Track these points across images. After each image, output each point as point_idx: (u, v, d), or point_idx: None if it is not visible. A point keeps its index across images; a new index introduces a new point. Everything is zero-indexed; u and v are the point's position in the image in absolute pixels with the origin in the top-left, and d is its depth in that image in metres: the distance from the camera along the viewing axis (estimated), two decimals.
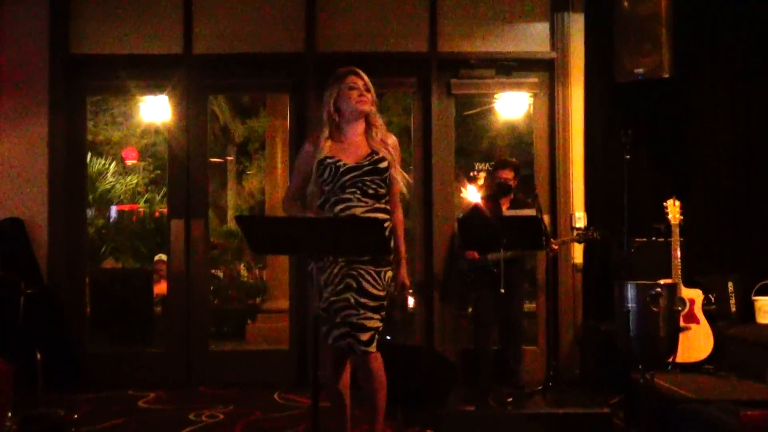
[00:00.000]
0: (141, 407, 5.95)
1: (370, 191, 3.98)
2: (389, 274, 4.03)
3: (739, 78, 6.63)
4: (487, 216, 6.27)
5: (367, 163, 3.99)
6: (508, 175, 6.42)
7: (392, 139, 4.15)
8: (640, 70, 6.40)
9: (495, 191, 6.50)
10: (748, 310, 6.19)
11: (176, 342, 6.90)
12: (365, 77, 4.09)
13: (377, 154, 4.02)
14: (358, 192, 3.97)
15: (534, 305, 7.30)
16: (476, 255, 6.26)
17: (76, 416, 4.96)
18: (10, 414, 4.29)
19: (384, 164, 4.01)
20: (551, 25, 6.95)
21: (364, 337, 3.92)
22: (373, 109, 4.09)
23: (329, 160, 3.99)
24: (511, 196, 6.46)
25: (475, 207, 6.65)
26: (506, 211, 6.30)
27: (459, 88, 7.08)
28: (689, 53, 6.58)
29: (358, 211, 3.96)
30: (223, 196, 13.64)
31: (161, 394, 6.33)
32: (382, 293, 3.97)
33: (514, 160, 6.76)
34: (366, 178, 3.97)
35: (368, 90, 4.07)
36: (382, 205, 4.04)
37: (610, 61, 6.59)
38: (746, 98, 6.60)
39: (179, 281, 6.94)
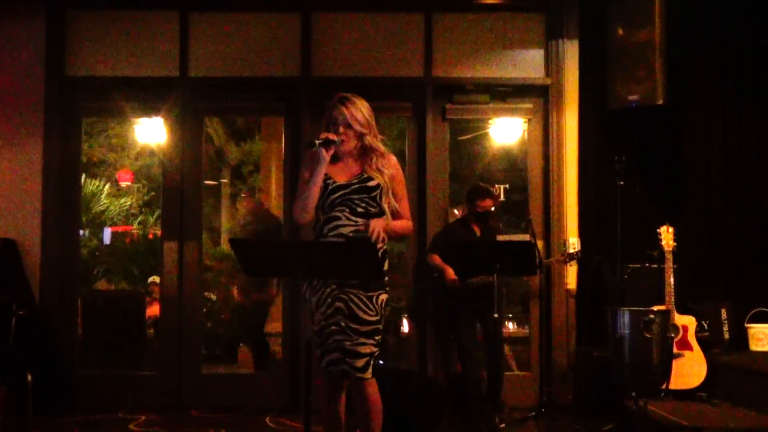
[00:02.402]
0: (132, 430, 5.90)
1: (360, 209, 3.95)
2: (383, 297, 3.97)
3: (732, 105, 6.65)
4: (470, 238, 6.27)
5: (356, 181, 3.98)
6: (487, 204, 6.41)
7: (392, 161, 4.11)
8: (634, 97, 6.43)
9: (472, 217, 6.47)
10: (741, 338, 6.19)
11: (168, 365, 6.86)
12: (352, 108, 4.00)
13: (367, 174, 4.00)
14: (347, 210, 3.95)
15: (527, 330, 7.27)
16: (457, 281, 6.21)
17: None
18: None
19: (373, 183, 3.96)
20: (546, 51, 6.98)
21: (359, 363, 3.89)
22: (369, 138, 4.03)
23: (327, 180, 3.99)
24: (483, 221, 6.45)
25: (450, 227, 6.63)
26: (500, 236, 6.31)
27: (454, 113, 7.10)
28: (682, 80, 6.62)
29: (346, 230, 3.92)
30: (217, 219, 13.60)
31: (153, 417, 6.28)
32: (374, 318, 3.92)
33: (489, 186, 6.75)
34: (354, 196, 3.94)
35: (349, 126, 4.00)
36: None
37: (604, 87, 6.63)
38: (739, 125, 6.62)
39: (172, 303, 6.91)
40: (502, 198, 9.07)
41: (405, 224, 4.08)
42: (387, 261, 4.03)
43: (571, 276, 6.75)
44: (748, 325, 6.17)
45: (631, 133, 6.73)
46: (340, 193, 3.96)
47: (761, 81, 6.54)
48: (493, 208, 6.46)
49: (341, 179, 3.99)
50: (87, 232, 10.56)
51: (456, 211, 8.13)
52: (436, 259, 6.34)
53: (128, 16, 6.94)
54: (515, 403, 6.51)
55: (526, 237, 6.07)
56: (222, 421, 6.14)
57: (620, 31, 6.54)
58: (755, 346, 6.09)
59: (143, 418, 6.23)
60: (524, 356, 7.07)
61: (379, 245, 3.92)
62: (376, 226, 3.88)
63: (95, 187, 11.37)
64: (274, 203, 9.94)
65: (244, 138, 13.05)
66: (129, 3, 6.92)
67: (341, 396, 4.08)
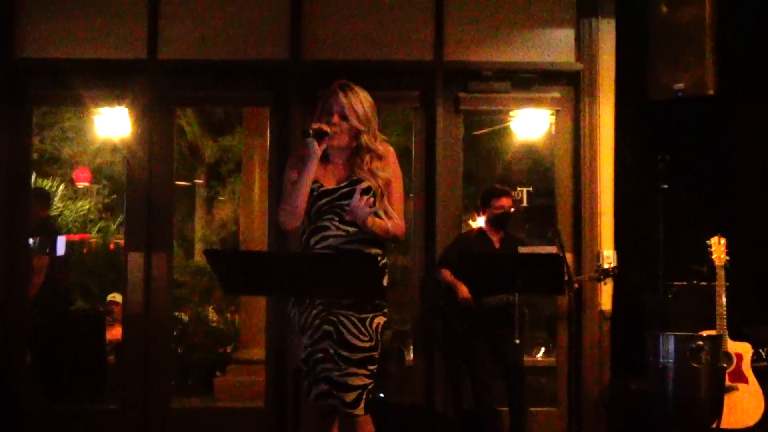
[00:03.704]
0: None
1: (348, 217, 3.95)
2: (379, 320, 3.96)
3: None
4: (487, 251, 6.28)
5: (345, 185, 3.98)
6: (504, 203, 6.43)
7: (390, 157, 4.10)
8: (680, 86, 6.44)
9: (490, 224, 6.49)
10: None
11: (133, 397, 6.85)
12: (352, 97, 4.01)
13: (357, 177, 3.99)
14: (336, 219, 3.95)
15: (554, 359, 7.28)
16: (472, 300, 6.22)
17: None
18: None
19: (365, 185, 3.95)
20: (577, 32, 7.00)
21: (349, 397, 3.89)
22: (366, 138, 4.03)
23: (313, 185, 3.99)
24: (503, 231, 6.46)
25: (464, 238, 6.64)
26: (522, 248, 6.32)
27: (469, 104, 7.12)
28: (738, 66, 6.62)
29: (335, 241, 3.93)
30: (191, 226, 13.66)
31: None
32: (368, 344, 3.91)
33: (508, 189, 6.78)
34: (344, 202, 3.94)
35: (345, 117, 4.00)
36: (367, 236, 3.95)
37: (645, 74, 6.64)
38: None
39: (137, 325, 6.90)
40: (524, 203, 9.09)
41: (396, 223, 4.04)
42: (387, 276, 4.03)
43: (605, 295, 6.76)
44: None
45: (677, 128, 6.73)
46: (327, 199, 3.96)
47: None
48: (512, 210, 6.47)
49: (329, 183, 4.00)
50: (37, 241, 10.57)
51: (472, 223, 8.15)
52: (447, 275, 6.34)
53: None
54: None
55: (553, 249, 6.07)
56: None
57: (664, 9, 6.56)
58: None
59: None
60: (550, 389, 7.07)
61: (381, 260, 3.93)
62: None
63: (48, 188, 11.40)
64: (257, 207, 9.95)
65: (223, 132, 13.11)
66: None
67: None
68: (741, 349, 5.79)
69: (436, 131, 6.98)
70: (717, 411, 5.13)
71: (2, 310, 6.77)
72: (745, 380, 5.73)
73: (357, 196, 3.84)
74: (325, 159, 4.03)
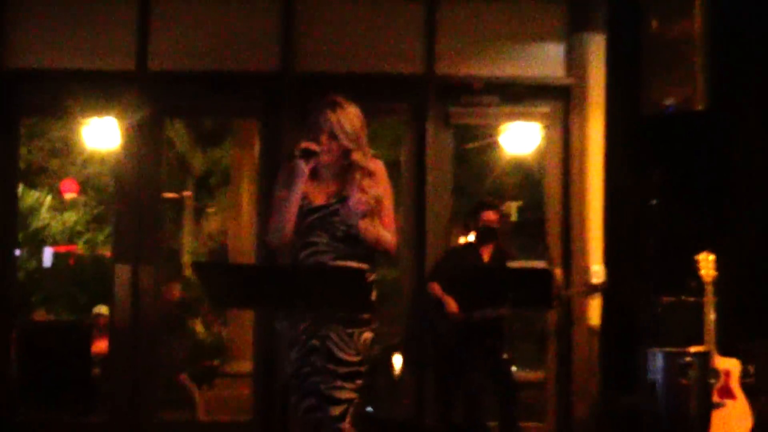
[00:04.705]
0: None
1: (339, 234, 3.97)
2: (367, 336, 3.99)
3: None
4: (476, 265, 6.31)
5: (334, 202, 4.00)
6: (492, 217, 6.44)
7: (380, 172, 4.12)
8: (671, 101, 6.48)
9: (477, 237, 6.52)
10: None
11: (119, 411, 6.85)
12: (341, 115, 4.02)
13: (347, 193, 4.01)
14: (326, 235, 3.97)
15: (542, 374, 7.30)
16: (461, 314, 6.23)
17: None
18: None
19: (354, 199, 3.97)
20: (567, 47, 7.07)
21: (335, 411, 3.91)
22: (356, 155, 4.05)
23: (302, 201, 4.01)
24: (494, 243, 6.48)
25: (453, 251, 6.66)
26: (511, 263, 6.35)
27: (459, 118, 7.18)
28: (729, 82, 6.65)
29: (324, 257, 3.95)
30: (179, 238, 13.65)
31: None
32: (355, 358, 3.94)
33: (497, 203, 6.82)
34: (335, 218, 3.97)
35: (334, 136, 4.02)
36: (356, 252, 3.98)
37: (636, 89, 6.67)
38: None
39: (123, 338, 6.91)
40: (514, 217, 9.13)
41: (386, 238, 4.05)
42: (375, 291, 4.05)
43: (594, 310, 6.79)
44: None
45: (667, 143, 6.76)
46: (317, 215, 3.98)
47: None
48: (498, 224, 6.49)
49: (318, 200, 4.02)
50: (25, 252, 10.57)
51: (462, 238, 8.17)
52: (437, 289, 6.36)
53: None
54: None
55: (543, 264, 6.10)
56: None
57: (654, 24, 6.60)
58: None
59: None
60: (539, 404, 7.09)
61: (369, 276, 3.95)
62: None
63: (34, 199, 11.39)
64: (246, 219, 9.97)
65: (212, 144, 13.10)
66: None
67: None
68: (729, 366, 5.80)
69: (426, 144, 7.02)
70: (705, 427, 5.16)
71: None
72: (733, 397, 5.74)
73: (353, 202, 3.86)
74: (314, 175, 4.05)
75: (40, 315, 10.02)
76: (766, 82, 6.75)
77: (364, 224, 3.89)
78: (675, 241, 6.51)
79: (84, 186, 12.47)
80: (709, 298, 5.85)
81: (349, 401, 3.94)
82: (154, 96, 7.00)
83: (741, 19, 6.68)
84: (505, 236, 6.61)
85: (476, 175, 10.77)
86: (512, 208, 9.10)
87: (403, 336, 7.22)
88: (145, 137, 7.02)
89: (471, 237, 6.60)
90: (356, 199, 3.86)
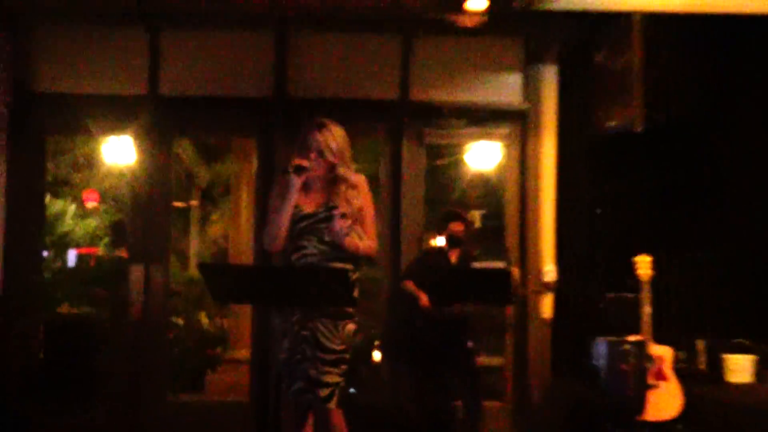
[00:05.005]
0: None
1: (327, 238, 3.99)
2: (350, 327, 4.01)
3: (716, 134, 6.74)
4: (444, 266, 6.31)
5: (322, 211, 4.02)
6: (458, 227, 6.45)
7: (363, 186, 4.14)
8: (613, 124, 6.52)
9: (446, 242, 6.52)
10: (717, 369, 6.25)
11: (132, 392, 6.82)
12: (327, 135, 4.04)
13: (334, 204, 4.03)
14: (314, 239, 3.99)
15: (502, 360, 7.31)
16: (431, 308, 6.22)
17: None
18: None
19: (339, 212, 3.99)
20: (524, 76, 7.06)
21: (323, 393, 3.93)
22: (342, 169, 4.07)
23: (295, 209, 4.02)
24: (460, 247, 6.49)
25: (425, 254, 6.66)
26: (475, 264, 6.36)
27: (430, 138, 7.16)
28: (662, 107, 6.70)
29: (313, 259, 3.97)
30: (186, 242, 13.58)
31: None
32: (340, 347, 3.96)
33: (463, 212, 6.82)
34: (322, 225, 3.99)
35: (321, 154, 4.04)
36: (341, 254, 4.00)
37: (584, 113, 6.72)
38: (723, 153, 6.72)
39: (137, 330, 6.88)
40: (478, 224, 9.13)
41: (368, 244, 4.09)
42: (357, 288, 4.07)
43: (547, 305, 6.79)
44: (725, 356, 6.23)
45: (611, 160, 6.80)
46: (307, 222, 4.01)
47: (738, 109, 6.67)
48: (465, 231, 6.49)
49: (309, 208, 4.04)
50: (51, 254, 10.50)
51: (432, 242, 8.17)
52: (411, 286, 6.36)
53: (97, 32, 6.94)
54: None
55: (502, 265, 6.11)
56: None
57: (600, 58, 6.66)
58: (731, 378, 6.12)
59: None
60: (499, 386, 7.10)
61: (352, 275, 3.96)
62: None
63: (60, 208, 11.31)
64: (245, 226, 9.95)
65: (215, 159, 13.05)
66: (98, 19, 6.91)
67: (307, 426, 4.10)
68: (663, 352, 5.83)
69: (401, 161, 7.02)
70: (641, 405, 5.18)
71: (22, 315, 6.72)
72: (666, 379, 5.76)
73: (336, 221, 3.90)
74: (305, 187, 4.07)
75: (65, 309, 9.95)
76: (692, 106, 6.81)
77: (347, 240, 3.92)
78: (617, 245, 6.55)
79: (103, 196, 12.39)
80: (646, 295, 5.88)
81: (335, 384, 3.96)
82: (164, 117, 6.99)
83: (673, 54, 6.74)
84: (470, 241, 6.59)
85: (445, 187, 10.76)
86: (476, 216, 9.10)
87: (382, 327, 7.22)
88: (156, 153, 7.01)
89: (440, 241, 6.60)
90: (340, 224, 3.90)
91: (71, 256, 9.79)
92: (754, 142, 6.64)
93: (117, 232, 7.63)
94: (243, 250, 10.11)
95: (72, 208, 11.60)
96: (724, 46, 6.70)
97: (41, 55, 6.92)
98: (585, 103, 6.76)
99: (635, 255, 6.02)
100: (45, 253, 7.58)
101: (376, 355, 7.03)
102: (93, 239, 12.06)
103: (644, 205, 6.78)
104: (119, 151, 8.42)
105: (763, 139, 6.60)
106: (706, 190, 6.70)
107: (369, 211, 4.15)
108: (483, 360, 7.43)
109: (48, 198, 9.44)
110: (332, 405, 3.96)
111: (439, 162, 10.06)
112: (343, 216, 3.95)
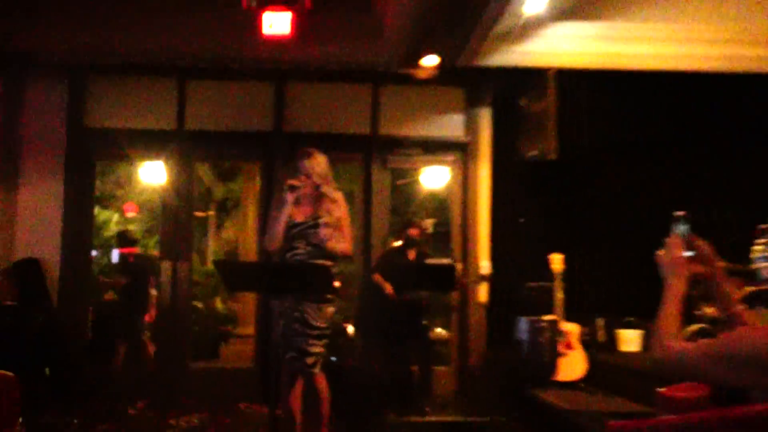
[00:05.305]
0: (130, 414, 5.81)
1: (314, 241, 4.01)
2: (330, 310, 4.03)
3: (610, 163, 6.81)
4: (404, 262, 6.32)
5: (310, 220, 4.04)
6: (415, 232, 6.47)
7: (341, 201, 4.15)
8: (534, 153, 6.55)
9: (404, 244, 6.53)
10: (613, 341, 6.32)
11: (163, 359, 6.76)
12: (313, 162, 4.06)
13: (318, 215, 4.05)
14: (304, 242, 4.02)
15: (448, 334, 7.33)
16: (395, 295, 6.22)
17: (75, 421, 4.83)
18: (21, 420, 4.17)
19: (323, 221, 4.02)
20: (466, 116, 7.08)
21: (309, 360, 3.95)
22: (325, 188, 4.08)
23: (288, 219, 4.04)
24: (416, 247, 6.50)
25: (389, 253, 6.67)
26: (428, 260, 6.37)
27: (394, 163, 7.18)
28: (570, 141, 6.74)
29: (302, 257, 4.00)
30: (205, 243, 13.46)
31: (147, 403, 6.18)
32: (323, 325, 3.98)
33: (418, 221, 6.85)
34: (310, 230, 4.01)
35: (309, 176, 4.05)
36: (324, 254, 4.00)
37: (512, 145, 6.74)
38: (614, 178, 6.79)
39: (166, 311, 6.83)
40: (430, 230, 9.14)
41: (344, 246, 4.12)
42: (336, 280, 4.08)
43: (483, 292, 6.82)
44: (618, 330, 6.30)
45: (532, 180, 6.84)
46: (298, 228, 4.03)
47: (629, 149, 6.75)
48: (419, 237, 6.50)
49: (299, 218, 4.06)
50: (99, 253, 10.38)
51: (395, 244, 8.16)
52: (378, 278, 6.37)
53: (137, 80, 6.90)
54: (440, 392, 6.54)
55: (448, 261, 6.14)
56: (205, 406, 6.06)
57: (523, 102, 6.69)
58: (623, 347, 6.20)
59: (141, 404, 6.14)
60: (446, 354, 7.12)
61: (333, 269, 3.98)
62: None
63: (106, 217, 11.18)
64: (251, 232, 9.90)
65: (229, 179, 12.99)
66: (138, 70, 6.85)
67: (297, 387, 4.10)
68: (571, 328, 5.89)
69: (371, 181, 7.03)
70: (553, 369, 5.21)
71: (75, 301, 6.64)
72: (573, 349, 5.83)
73: (321, 230, 3.92)
74: (297, 202, 4.08)
75: (109, 296, 9.83)
76: (593, 141, 6.88)
77: (329, 244, 3.95)
78: (537, 245, 6.58)
79: (141, 207, 12.28)
80: (558, 283, 5.93)
81: (319, 354, 3.97)
82: (188, 147, 6.94)
83: (579, 101, 6.80)
84: (424, 242, 6.61)
85: (405, 201, 10.77)
86: (429, 223, 9.08)
87: (356, 309, 7.22)
88: (182, 175, 6.96)
89: (401, 243, 6.62)
90: (323, 233, 3.93)
91: (115, 255, 9.64)
92: (634, 171, 6.73)
93: (122, 238, 7.57)
94: (249, 250, 10.09)
95: (115, 216, 11.48)
96: (617, 95, 6.79)
97: (91, 98, 6.85)
98: (512, 137, 6.77)
99: (550, 253, 6.09)
100: (94, 253, 7.48)
101: (351, 330, 7.00)
102: (132, 241, 11.91)
103: (557, 215, 6.82)
104: (153, 173, 8.38)
105: (640, 167, 6.67)
106: (602, 205, 6.77)
107: (346, 221, 4.17)
108: (434, 334, 7.49)
109: (96, 209, 9.33)
110: (317, 370, 3.97)
111: (400, 182, 10.06)
112: (326, 225, 3.97)
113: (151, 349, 7.11)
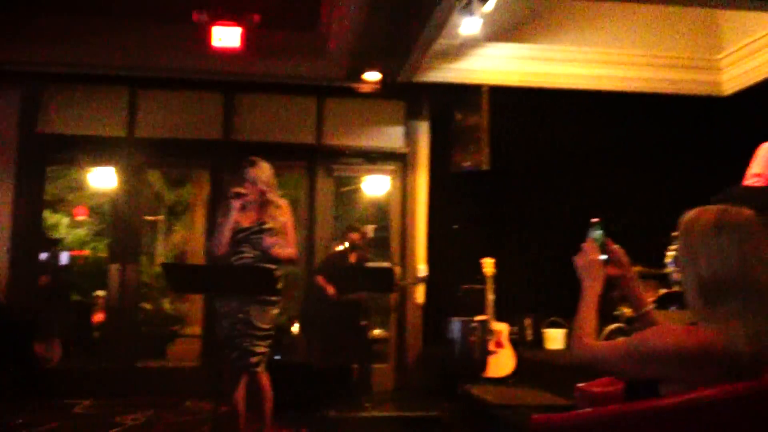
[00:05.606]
0: (76, 412, 5.62)
1: (260, 247, 3.97)
2: (274, 311, 3.98)
3: (538, 171, 6.92)
4: (345, 264, 6.31)
5: (255, 226, 4.00)
6: (356, 236, 6.48)
7: (285, 208, 4.11)
8: (467, 164, 6.63)
9: (346, 248, 6.52)
10: (539, 339, 6.42)
11: (111, 358, 6.58)
12: (258, 170, 4.01)
13: (263, 220, 4.01)
14: (249, 246, 3.97)
15: (387, 333, 7.33)
16: (336, 296, 6.20)
17: (20, 421, 4.66)
18: None
19: (268, 227, 3.98)
20: (405, 128, 7.12)
21: (254, 360, 3.89)
22: (269, 195, 4.03)
23: (235, 225, 3.98)
24: (357, 251, 6.50)
25: (332, 256, 6.66)
26: (368, 263, 6.37)
27: (337, 171, 7.18)
28: (501, 153, 6.83)
29: (248, 261, 3.95)
30: (154, 247, 13.17)
31: (94, 401, 5.99)
32: (267, 326, 3.93)
33: (360, 226, 6.85)
34: (254, 236, 3.97)
35: (254, 183, 4.01)
36: (268, 257, 3.96)
37: (447, 156, 6.80)
38: (542, 186, 6.91)
39: (115, 312, 6.65)
40: (371, 235, 9.14)
41: (289, 252, 4.07)
42: (281, 282, 4.03)
43: (420, 293, 6.85)
44: (545, 330, 6.40)
45: (466, 189, 6.89)
46: (244, 234, 3.97)
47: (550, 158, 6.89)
48: (360, 241, 6.50)
49: (245, 223, 4.01)
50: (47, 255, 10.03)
51: (338, 247, 8.13)
52: (321, 280, 6.34)
53: (89, 88, 6.72)
54: (378, 388, 6.54)
55: (387, 264, 6.14)
56: (152, 404, 5.91)
57: (459, 116, 6.76)
58: (549, 345, 6.30)
59: (86, 402, 5.95)
60: (385, 352, 7.12)
61: (277, 272, 3.94)
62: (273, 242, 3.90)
63: (56, 220, 10.83)
64: (198, 236, 9.72)
65: (178, 185, 12.74)
66: (91, 79, 6.66)
67: (242, 385, 4.03)
68: (501, 327, 5.93)
69: (316, 188, 7.01)
70: (483, 366, 5.26)
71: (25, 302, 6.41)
72: (503, 346, 5.89)
73: (266, 238, 3.88)
74: (243, 208, 4.03)
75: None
76: (522, 154, 6.98)
77: (274, 250, 3.91)
78: (470, 250, 6.63)
79: (90, 211, 11.94)
80: (489, 286, 5.98)
81: (262, 354, 3.92)
82: (139, 154, 6.80)
83: (510, 116, 6.89)
84: (364, 246, 6.60)
85: (348, 207, 10.76)
86: (370, 229, 9.09)
87: (300, 309, 7.17)
88: (133, 181, 6.83)
89: (343, 247, 6.60)
90: (268, 241, 3.90)
91: (64, 257, 9.35)
92: (558, 181, 6.87)
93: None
94: (197, 254, 9.87)
95: (65, 220, 11.14)
96: (544, 111, 6.92)
97: (44, 105, 6.64)
98: (448, 149, 6.83)
99: (482, 258, 6.13)
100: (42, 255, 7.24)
101: (296, 329, 6.95)
102: (82, 244, 11.59)
103: (489, 222, 6.89)
104: (104, 178, 8.15)
105: (563, 178, 6.82)
106: (530, 212, 6.87)
107: (291, 226, 4.13)
108: (373, 333, 7.47)
109: (47, 212, 9.02)
110: (260, 369, 3.91)
111: (343, 189, 10.03)
112: (271, 231, 3.94)
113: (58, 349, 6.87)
